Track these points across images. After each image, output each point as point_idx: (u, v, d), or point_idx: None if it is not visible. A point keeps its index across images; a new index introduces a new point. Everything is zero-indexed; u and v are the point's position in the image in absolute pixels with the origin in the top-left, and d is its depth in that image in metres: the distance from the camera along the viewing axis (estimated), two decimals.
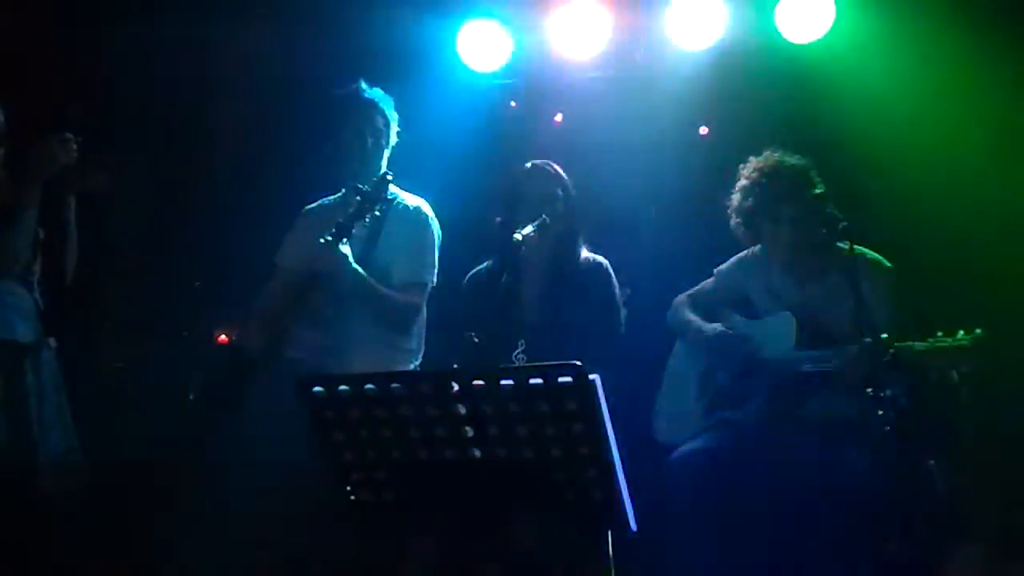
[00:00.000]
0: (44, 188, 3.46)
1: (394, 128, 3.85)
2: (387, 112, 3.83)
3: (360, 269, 3.56)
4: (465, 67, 4.92)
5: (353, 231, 3.50)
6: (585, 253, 3.93)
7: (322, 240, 3.48)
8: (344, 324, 3.61)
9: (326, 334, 3.58)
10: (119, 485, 4.00)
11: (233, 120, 4.93)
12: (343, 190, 3.91)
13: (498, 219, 3.88)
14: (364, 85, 3.82)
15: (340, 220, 3.52)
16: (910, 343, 3.23)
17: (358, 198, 3.53)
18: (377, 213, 3.53)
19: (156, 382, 5.10)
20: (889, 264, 3.64)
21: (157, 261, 5.09)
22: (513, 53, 4.90)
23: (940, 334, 3.23)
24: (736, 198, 3.82)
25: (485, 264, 3.98)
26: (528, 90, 5.19)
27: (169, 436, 3.96)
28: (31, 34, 4.43)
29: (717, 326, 3.80)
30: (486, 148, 4.90)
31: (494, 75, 5.02)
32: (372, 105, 3.80)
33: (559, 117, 5.25)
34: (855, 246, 3.56)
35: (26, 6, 4.44)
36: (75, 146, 3.43)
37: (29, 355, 3.46)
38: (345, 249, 3.49)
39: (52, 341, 3.54)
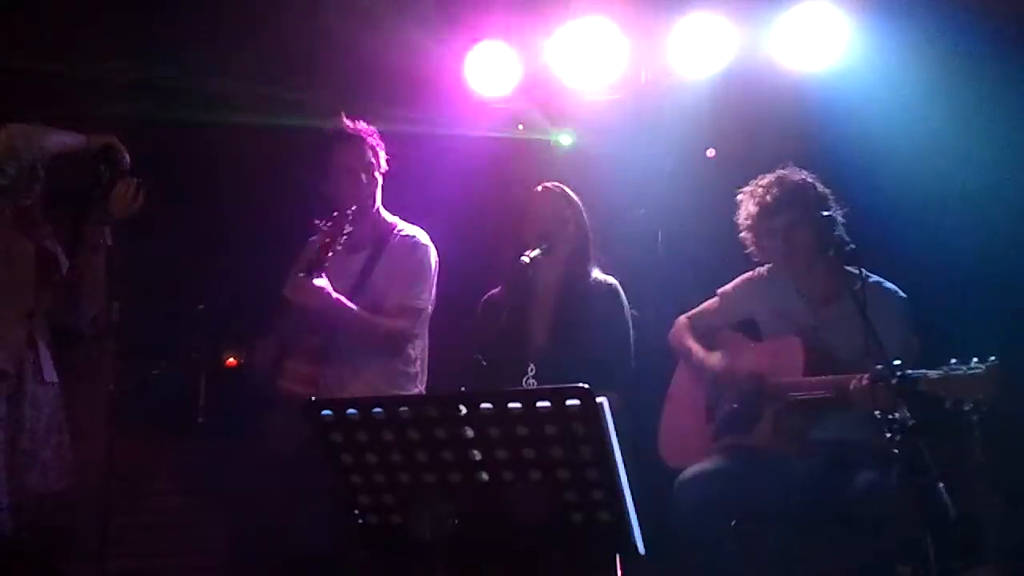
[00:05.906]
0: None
1: (383, 156, 3.84)
2: (374, 143, 3.82)
3: (342, 298, 3.57)
4: (473, 91, 4.95)
5: (326, 264, 3.50)
6: (596, 274, 3.92)
7: (298, 275, 3.51)
8: (341, 356, 3.63)
9: (324, 367, 3.59)
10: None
11: (242, 145, 4.95)
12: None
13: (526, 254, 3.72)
14: (347, 121, 3.80)
15: (310, 255, 3.55)
16: (924, 371, 3.15)
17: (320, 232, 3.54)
18: (339, 247, 3.51)
19: (164, 405, 5.10)
20: (902, 294, 3.61)
21: (165, 284, 5.10)
22: (521, 77, 4.93)
23: (954, 362, 3.15)
24: (740, 213, 3.82)
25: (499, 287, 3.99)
26: (536, 114, 5.21)
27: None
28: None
29: (719, 359, 3.77)
30: (494, 171, 4.91)
31: (502, 99, 5.04)
32: (359, 140, 3.79)
33: (566, 139, 5.27)
34: (869, 275, 3.54)
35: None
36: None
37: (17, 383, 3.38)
38: (321, 282, 3.50)
39: (54, 376, 3.47)
